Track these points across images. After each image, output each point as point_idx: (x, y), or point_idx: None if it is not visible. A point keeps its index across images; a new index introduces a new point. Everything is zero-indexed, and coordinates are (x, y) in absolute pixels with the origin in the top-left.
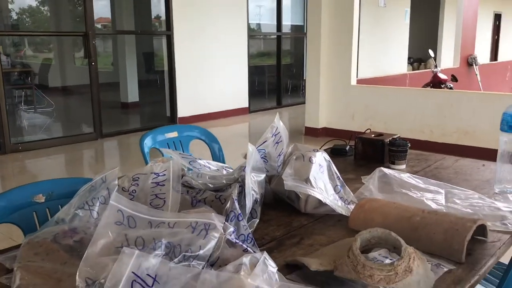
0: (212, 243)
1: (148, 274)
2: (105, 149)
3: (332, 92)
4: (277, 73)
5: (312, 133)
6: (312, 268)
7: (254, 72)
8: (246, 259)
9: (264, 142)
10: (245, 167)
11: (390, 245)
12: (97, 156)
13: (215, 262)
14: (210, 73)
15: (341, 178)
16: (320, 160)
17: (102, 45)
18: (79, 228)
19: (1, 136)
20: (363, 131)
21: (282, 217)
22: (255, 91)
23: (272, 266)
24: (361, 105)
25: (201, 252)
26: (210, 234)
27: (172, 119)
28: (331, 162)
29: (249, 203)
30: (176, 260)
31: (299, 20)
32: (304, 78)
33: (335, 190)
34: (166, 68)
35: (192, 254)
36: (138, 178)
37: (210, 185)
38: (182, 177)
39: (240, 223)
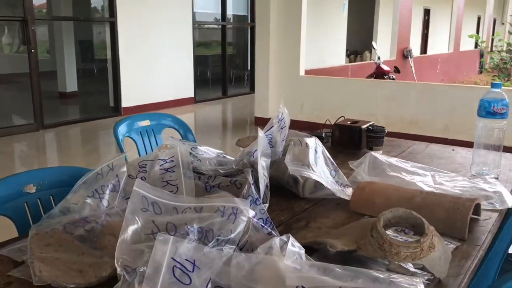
0: (241, 226)
1: (187, 259)
2: (46, 140)
3: (281, 83)
4: (222, 63)
5: (262, 122)
6: (338, 248)
7: (200, 62)
8: (275, 242)
9: (270, 128)
10: (253, 152)
11: (409, 224)
12: (39, 148)
13: (243, 246)
14: (155, 62)
15: (334, 163)
16: (315, 145)
17: (37, 32)
18: (90, 217)
19: None
20: (313, 121)
21: (282, 202)
22: (200, 81)
23: (300, 248)
24: (309, 95)
25: (232, 236)
26: (238, 218)
27: (116, 109)
28: (324, 148)
29: (262, 187)
30: (210, 244)
31: (242, 10)
32: (248, 68)
33: (331, 175)
34: (109, 56)
35: (224, 238)
36: (145, 165)
37: (220, 170)
38: (191, 163)
39: (257, 208)
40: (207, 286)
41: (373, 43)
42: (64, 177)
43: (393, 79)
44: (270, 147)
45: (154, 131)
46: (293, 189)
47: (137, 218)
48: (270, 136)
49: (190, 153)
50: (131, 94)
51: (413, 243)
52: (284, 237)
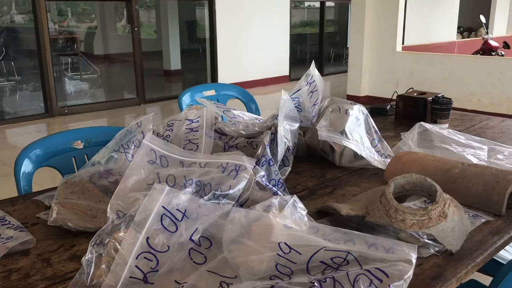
0: (242, 183)
1: (178, 209)
2: (147, 113)
3: (376, 59)
4: (319, 41)
5: (354, 101)
6: (343, 212)
7: (296, 41)
8: (275, 201)
9: (298, 90)
10: (278, 115)
11: (425, 191)
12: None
13: (244, 203)
14: (251, 41)
15: (378, 132)
16: (357, 113)
17: (146, 14)
18: (114, 170)
19: (48, 100)
20: None
21: (315, 169)
22: (296, 60)
23: (302, 209)
24: (405, 72)
25: (230, 191)
26: (240, 174)
27: None
28: (369, 116)
29: (281, 150)
30: (206, 197)
31: None
32: (348, 46)
33: (371, 144)
34: (207, 35)
35: (222, 193)
36: (173, 124)
37: (243, 132)
38: (215, 124)
39: (271, 168)
40: (192, 235)
41: (481, 16)
42: (110, 135)
43: (502, 55)
44: (299, 111)
45: (219, 101)
46: (329, 157)
47: (142, 169)
48: (298, 99)
49: (221, 116)
50: (227, 72)
51: (420, 211)
52: (287, 197)
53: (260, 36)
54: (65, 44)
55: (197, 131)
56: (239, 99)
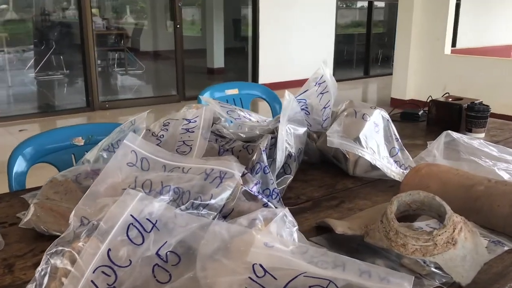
0: (226, 193)
1: (148, 219)
2: None
3: (422, 62)
4: (366, 42)
5: (398, 104)
6: (338, 230)
7: (343, 41)
8: (261, 214)
9: (305, 91)
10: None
11: (434, 212)
12: None
13: (228, 214)
14: (294, 40)
15: (399, 140)
16: (376, 119)
17: (193, 12)
18: (101, 170)
19: (90, 94)
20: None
21: (325, 178)
22: (342, 61)
23: (291, 224)
24: (454, 76)
25: (212, 201)
26: (224, 183)
27: None
28: (391, 121)
29: (280, 156)
30: (183, 207)
31: None
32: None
33: (390, 153)
34: (250, 34)
35: (202, 202)
36: (169, 123)
37: (242, 135)
38: (212, 125)
39: (266, 177)
40: (159, 249)
41: None
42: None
43: None
44: (306, 114)
45: (242, 101)
46: (342, 165)
47: (119, 172)
48: (304, 101)
49: (227, 119)
50: (269, 71)
51: (424, 235)
52: (277, 210)
53: (303, 35)
54: (113, 39)
55: (193, 132)
56: (263, 99)
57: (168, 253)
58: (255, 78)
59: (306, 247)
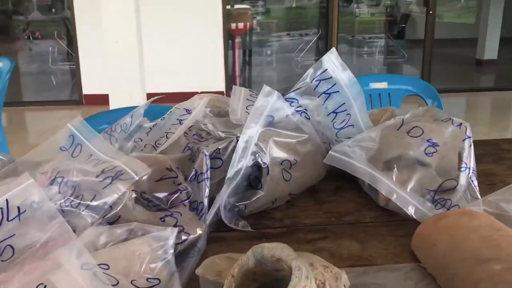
0: (113, 196)
1: (19, 207)
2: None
3: None
4: None
5: None
6: (197, 271)
7: None
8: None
9: (297, 89)
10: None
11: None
12: None
13: (114, 221)
14: None
15: (472, 168)
16: (442, 136)
17: None
18: None
19: None
20: None
21: (338, 204)
22: None
23: (163, 252)
24: None
25: (93, 203)
26: (114, 185)
27: None
28: (470, 140)
29: (236, 166)
30: (62, 202)
31: None
32: None
33: (440, 188)
34: None
35: (82, 202)
36: (172, 112)
37: (222, 134)
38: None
39: (199, 186)
40: (3, 240)
41: None
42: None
43: None
44: (307, 118)
45: (390, 97)
46: (371, 192)
47: (47, 155)
48: (295, 101)
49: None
50: None
51: None
52: (163, 231)
53: None
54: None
55: (182, 124)
56: (419, 96)
57: (7, 246)
58: None
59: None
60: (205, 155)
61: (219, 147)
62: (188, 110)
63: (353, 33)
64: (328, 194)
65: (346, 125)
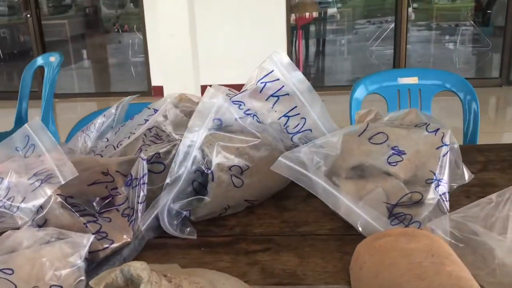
0: (39, 200)
1: None
2: (507, 98)
3: None
4: None
5: None
6: (90, 282)
7: None
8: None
9: (243, 92)
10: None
11: None
12: (498, 104)
13: (42, 224)
14: None
15: (444, 180)
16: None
17: None
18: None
19: None
20: None
21: (300, 212)
22: None
23: (77, 257)
24: None
25: (22, 205)
26: (41, 188)
27: None
28: (458, 150)
29: (177, 172)
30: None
31: None
32: None
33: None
34: None
35: (12, 204)
36: (149, 108)
37: (176, 136)
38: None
39: (132, 191)
40: None
41: None
42: None
43: None
44: (258, 122)
45: (421, 93)
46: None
47: (3, 152)
48: (242, 103)
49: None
50: None
51: None
52: (79, 237)
53: None
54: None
55: (145, 123)
56: (453, 92)
57: None
58: None
59: None
60: (142, 159)
61: (159, 151)
62: (156, 110)
63: (432, 20)
64: (296, 201)
65: (302, 129)
